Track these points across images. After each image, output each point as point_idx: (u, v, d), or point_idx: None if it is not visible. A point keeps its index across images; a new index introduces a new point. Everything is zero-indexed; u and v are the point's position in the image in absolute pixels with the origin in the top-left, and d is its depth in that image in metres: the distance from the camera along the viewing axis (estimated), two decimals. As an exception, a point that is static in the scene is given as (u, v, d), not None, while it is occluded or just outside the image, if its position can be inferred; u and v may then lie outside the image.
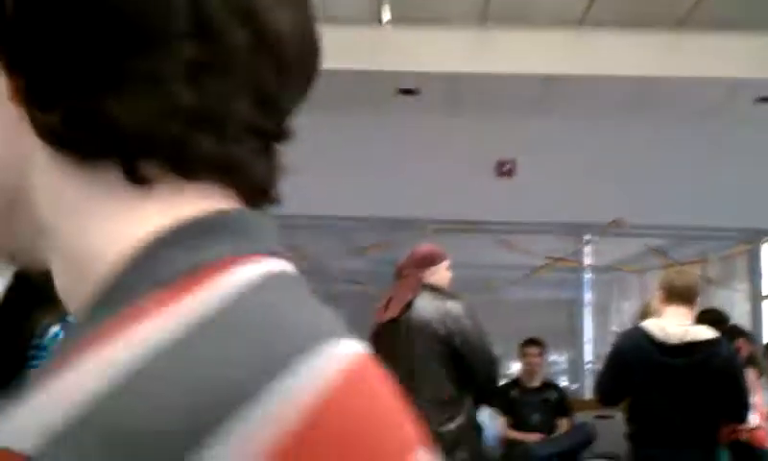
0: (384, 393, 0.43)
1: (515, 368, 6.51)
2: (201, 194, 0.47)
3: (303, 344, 0.41)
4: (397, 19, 5.60)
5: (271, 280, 0.45)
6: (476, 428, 3.97)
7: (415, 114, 6.73)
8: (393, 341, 3.87)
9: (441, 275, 3.96)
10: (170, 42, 0.45)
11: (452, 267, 4.12)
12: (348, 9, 5.45)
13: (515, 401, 5.90)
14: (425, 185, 6.72)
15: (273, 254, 0.47)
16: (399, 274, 4.01)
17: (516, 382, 6.09)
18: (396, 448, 0.41)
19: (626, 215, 6.57)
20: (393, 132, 6.87)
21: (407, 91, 6.18)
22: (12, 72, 0.46)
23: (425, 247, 4.12)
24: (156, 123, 0.44)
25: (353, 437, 0.39)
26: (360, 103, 6.51)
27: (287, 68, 0.49)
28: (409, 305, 3.85)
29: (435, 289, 3.88)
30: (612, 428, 5.91)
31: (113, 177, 0.45)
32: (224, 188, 0.48)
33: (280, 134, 0.52)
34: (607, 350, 4.27)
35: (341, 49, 5.55)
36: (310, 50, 0.52)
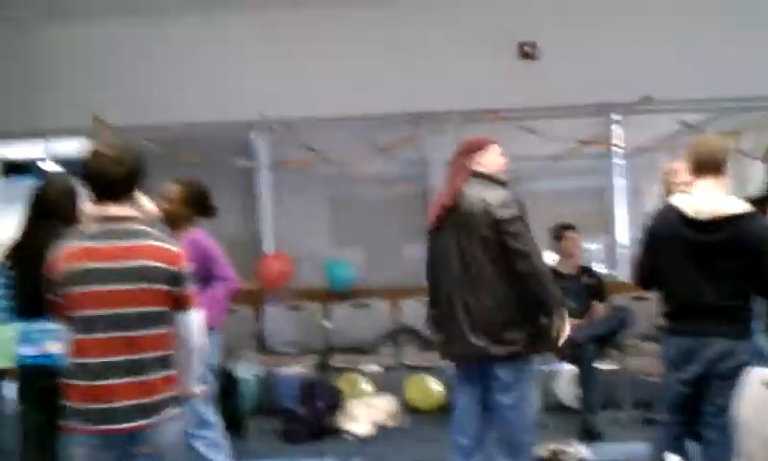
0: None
1: (546, 259, 6.45)
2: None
3: None
4: None
5: None
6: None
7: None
8: (448, 230, 3.91)
9: (492, 160, 3.96)
10: None
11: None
12: None
13: (550, 288, 5.89)
14: (444, 75, 6.56)
15: None
16: (450, 164, 4.04)
17: (550, 270, 6.04)
18: None
19: (656, 91, 6.40)
20: (406, 20, 6.68)
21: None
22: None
23: (473, 136, 4.10)
24: None
25: None
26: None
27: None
28: (458, 193, 3.88)
29: (482, 176, 3.90)
30: (649, 309, 5.93)
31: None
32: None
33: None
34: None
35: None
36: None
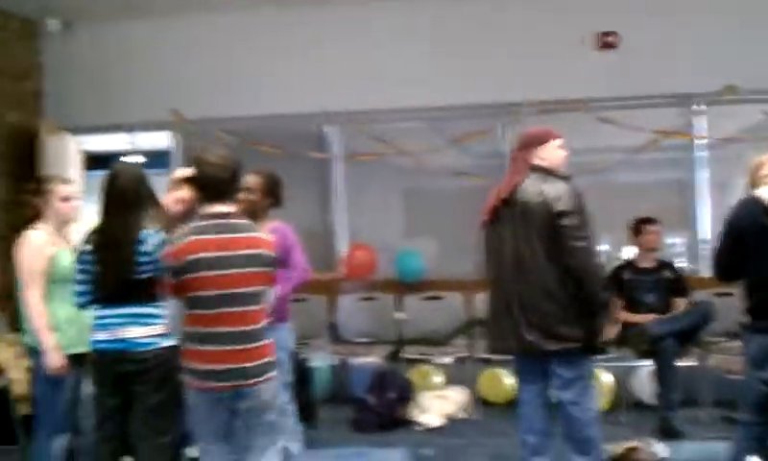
0: None
1: (625, 253, 6.30)
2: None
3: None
4: None
5: None
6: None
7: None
8: (504, 223, 3.90)
9: (552, 154, 3.93)
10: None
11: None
12: None
13: (628, 283, 5.74)
14: (521, 65, 6.46)
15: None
16: (511, 157, 4.06)
17: (628, 264, 5.91)
18: None
19: (741, 80, 6.16)
20: (481, 9, 6.60)
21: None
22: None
23: (534, 128, 4.08)
24: None
25: None
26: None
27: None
28: (517, 187, 3.87)
29: (542, 170, 3.87)
30: (733, 306, 5.71)
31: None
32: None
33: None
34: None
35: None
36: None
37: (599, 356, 4.13)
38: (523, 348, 3.87)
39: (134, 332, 3.45)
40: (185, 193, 4.04)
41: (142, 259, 3.43)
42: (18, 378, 5.10)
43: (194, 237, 3.17)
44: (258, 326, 3.22)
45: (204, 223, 3.22)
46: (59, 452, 4.00)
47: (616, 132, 6.29)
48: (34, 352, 3.98)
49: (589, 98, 6.37)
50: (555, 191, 3.75)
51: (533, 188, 3.81)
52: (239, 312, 3.16)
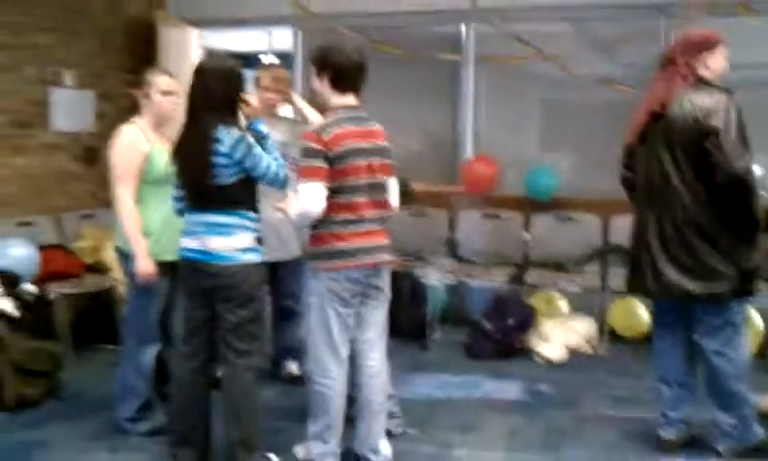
0: None
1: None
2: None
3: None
4: None
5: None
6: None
7: None
8: (654, 142, 3.47)
9: (718, 62, 3.48)
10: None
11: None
12: None
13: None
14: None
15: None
16: (666, 62, 3.55)
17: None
18: None
19: None
20: None
21: None
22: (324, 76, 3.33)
23: (696, 31, 3.57)
24: None
25: None
26: None
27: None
28: (673, 99, 3.41)
29: (700, 80, 3.41)
30: None
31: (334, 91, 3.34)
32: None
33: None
34: None
35: None
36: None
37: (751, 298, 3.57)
38: (663, 289, 3.41)
39: (216, 243, 3.24)
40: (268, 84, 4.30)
41: (218, 161, 3.19)
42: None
43: (342, 127, 3.24)
44: (386, 212, 3.40)
45: (343, 113, 3.29)
46: (149, 361, 3.86)
47: None
48: (124, 257, 3.82)
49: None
50: (711, 104, 3.28)
51: (689, 100, 3.33)
52: (380, 200, 3.34)
